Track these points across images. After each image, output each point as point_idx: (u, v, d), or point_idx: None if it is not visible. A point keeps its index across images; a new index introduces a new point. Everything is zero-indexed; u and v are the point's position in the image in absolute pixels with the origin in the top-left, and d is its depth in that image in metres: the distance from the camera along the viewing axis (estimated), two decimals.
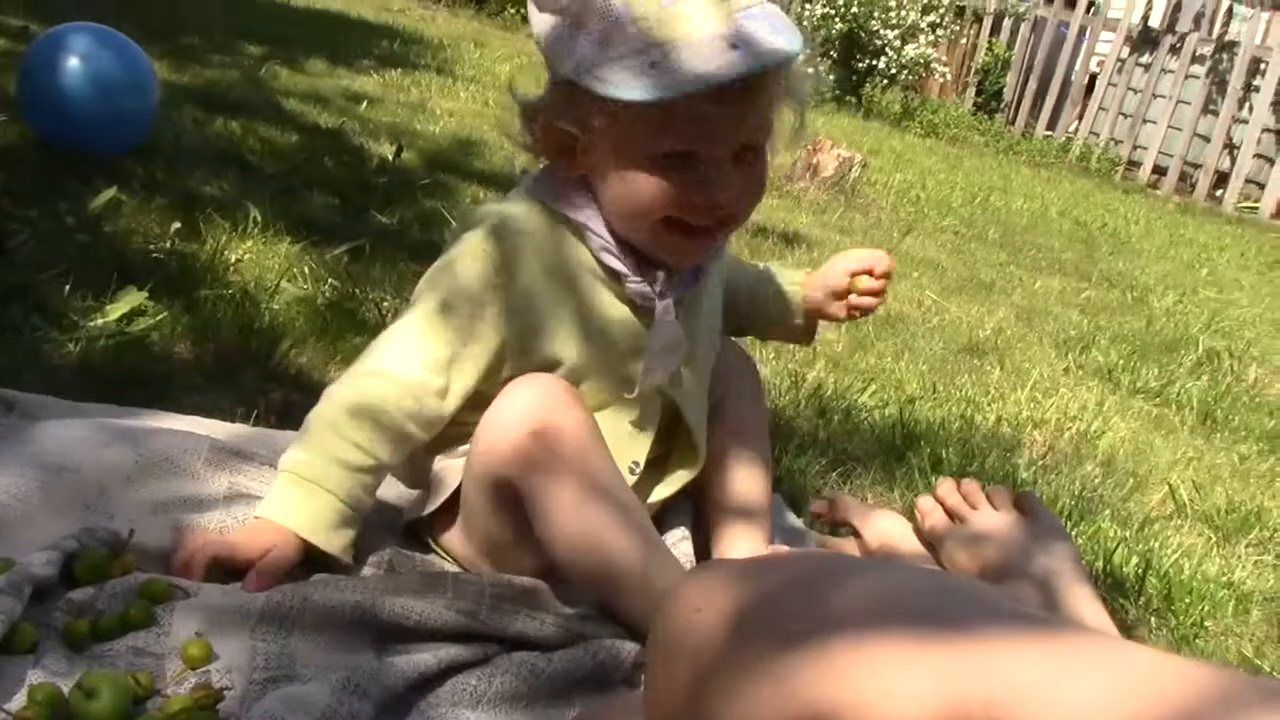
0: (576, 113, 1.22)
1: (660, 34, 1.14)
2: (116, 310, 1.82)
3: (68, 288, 1.86)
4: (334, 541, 1.25)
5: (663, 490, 1.44)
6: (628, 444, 1.37)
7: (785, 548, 1.54)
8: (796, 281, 1.56)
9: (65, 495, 1.22)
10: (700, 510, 1.52)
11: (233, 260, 2.23)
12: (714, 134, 1.20)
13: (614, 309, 1.32)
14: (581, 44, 1.18)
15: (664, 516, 1.48)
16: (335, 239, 2.50)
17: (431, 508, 1.36)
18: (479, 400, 1.30)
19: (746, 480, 1.49)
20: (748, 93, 1.18)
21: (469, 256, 1.28)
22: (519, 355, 1.30)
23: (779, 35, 1.16)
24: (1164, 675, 0.53)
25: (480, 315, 1.28)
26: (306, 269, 2.28)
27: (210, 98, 3.78)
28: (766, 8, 1.19)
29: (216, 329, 1.88)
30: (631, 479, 1.36)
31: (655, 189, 1.22)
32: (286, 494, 1.25)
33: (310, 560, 1.25)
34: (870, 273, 1.49)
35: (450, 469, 1.35)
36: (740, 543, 1.46)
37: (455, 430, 1.32)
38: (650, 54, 1.14)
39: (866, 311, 1.53)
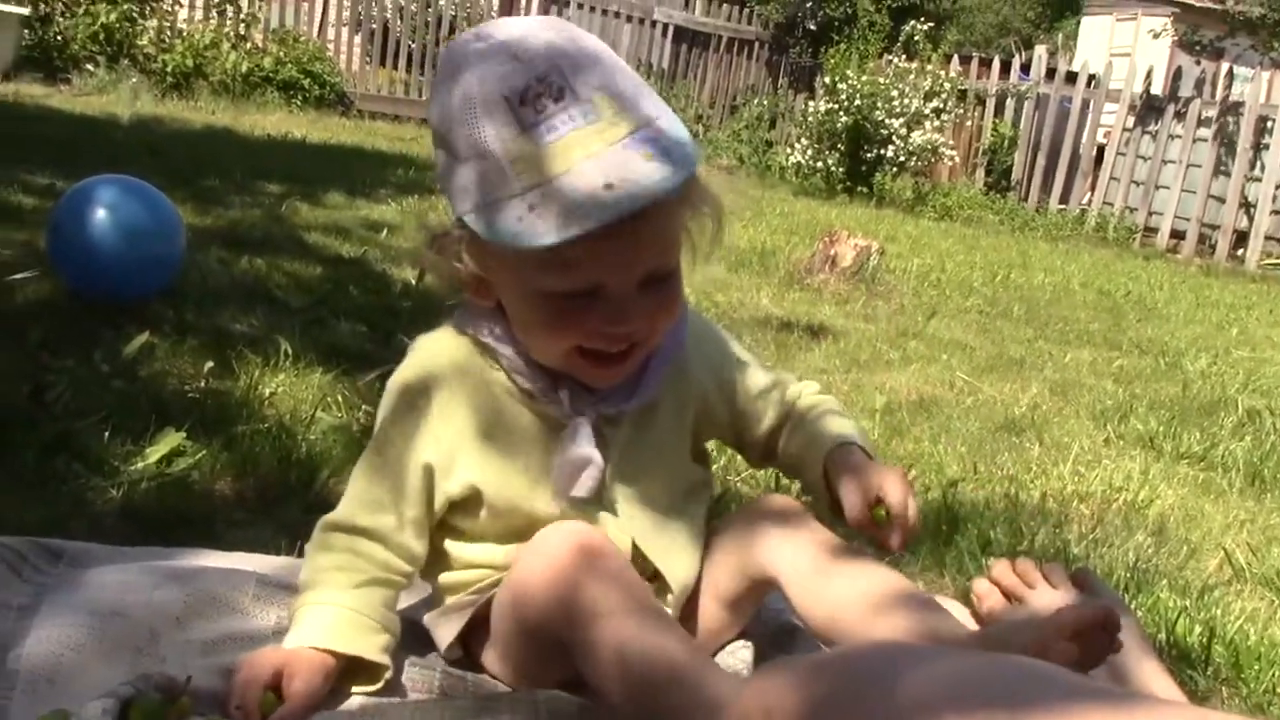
0: (474, 251, 1.22)
1: (535, 176, 1.10)
2: (156, 452, 1.83)
3: (107, 434, 1.88)
4: (363, 645, 1.24)
5: None
6: None
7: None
8: (843, 432, 1.39)
9: (117, 641, 1.22)
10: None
11: (267, 394, 2.25)
12: (612, 268, 1.15)
13: (534, 429, 1.30)
14: (464, 182, 1.15)
15: None
16: (366, 365, 2.51)
17: (444, 652, 1.35)
18: (449, 531, 1.32)
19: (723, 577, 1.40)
20: (640, 222, 1.11)
21: (387, 395, 1.31)
22: (446, 480, 1.28)
23: (663, 162, 1.10)
24: None
25: (405, 450, 1.28)
26: (340, 397, 2.29)
27: (234, 237, 3.85)
28: (653, 127, 1.13)
29: (255, 463, 1.89)
30: None
31: (561, 325, 1.19)
32: (302, 619, 1.25)
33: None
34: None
35: (447, 622, 1.34)
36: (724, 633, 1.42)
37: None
38: (527, 197, 1.09)
39: (885, 544, 1.30)
